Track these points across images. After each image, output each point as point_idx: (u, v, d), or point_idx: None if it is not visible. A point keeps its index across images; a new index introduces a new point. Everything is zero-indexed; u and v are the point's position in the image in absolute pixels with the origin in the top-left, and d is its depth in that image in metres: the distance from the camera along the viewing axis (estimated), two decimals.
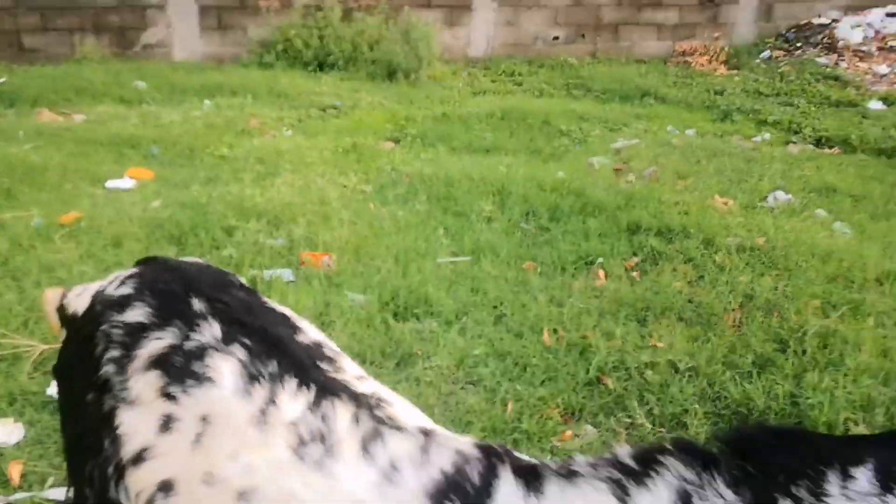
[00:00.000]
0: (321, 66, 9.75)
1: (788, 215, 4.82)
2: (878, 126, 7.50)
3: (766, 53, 11.33)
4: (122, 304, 1.31)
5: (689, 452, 0.83)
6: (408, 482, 0.99)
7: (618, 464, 0.87)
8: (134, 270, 1.41)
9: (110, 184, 5.29)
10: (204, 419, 1.13)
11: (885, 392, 2.83)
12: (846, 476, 0.73)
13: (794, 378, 2.95)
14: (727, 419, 2.77)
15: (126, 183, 5.34)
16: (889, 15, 11.98)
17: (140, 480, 1.16)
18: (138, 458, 1.18)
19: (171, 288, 1.32)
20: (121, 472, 1.20)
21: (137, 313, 1.27)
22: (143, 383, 1.21)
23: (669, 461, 0.83)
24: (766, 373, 2.99)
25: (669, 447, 0.85)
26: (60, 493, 2.30)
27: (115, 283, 1.39)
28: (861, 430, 2.61)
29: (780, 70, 10.37)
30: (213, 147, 6.18)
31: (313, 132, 6.82)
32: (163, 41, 10.04)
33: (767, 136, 7.28)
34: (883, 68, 10.67)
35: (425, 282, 3.64)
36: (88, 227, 4.38)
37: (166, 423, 1.16)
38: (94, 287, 1.45)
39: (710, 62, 10.95)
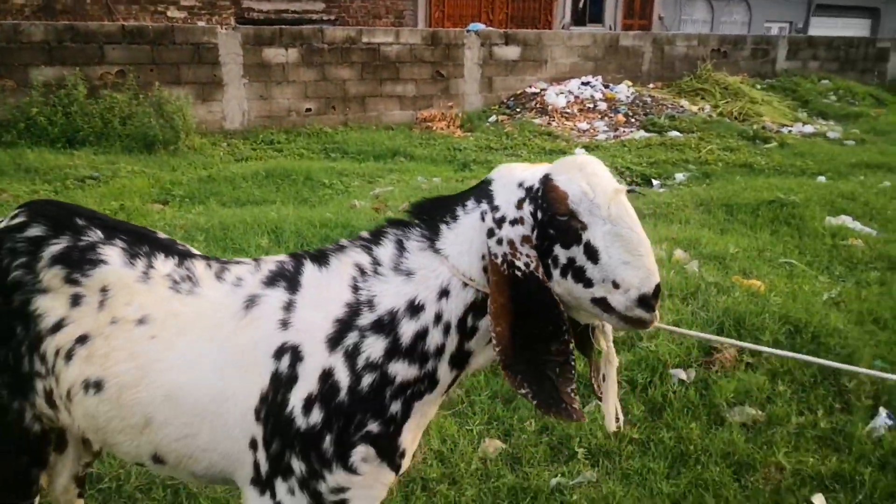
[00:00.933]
0: (70, 143, 9.48)
1: None
2: None
3: (493, 118, 13.12)
4: (21, 227, 1.70)
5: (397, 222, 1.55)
6: (249, 281, 1.54)
7: (360, 238, 1.58)
8: (22, 207, 1.79)
9: None
10: (103, 290, 1.58)
11: None
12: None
13: None
14: None
15: None
16: (583, 84, 14.57)
17: (59, 341, 1.62)
18: (56, 327, 1.63)
19: (58, 212, 1.74)
20: (36, 344, 1.61)
21: (35, 231, 1.68)
22: (50, 276, 1.65)
23: (388, 230, 1.53)
24: None
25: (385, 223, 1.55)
26: None
27: (8, 218, 1.73)
28: None
29: (505, 130, 12.10)
30: None
31: (76, 200, 6.72)
32: None
33: None
34: (583, 125, 12.94)
35: None
36: None
37: (76, 300, 1.63)
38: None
39: (448, 126, 12.43)
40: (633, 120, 13.23)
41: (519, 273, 1.42)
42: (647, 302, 1.41)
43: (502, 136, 11.71)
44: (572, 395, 1.44)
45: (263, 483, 1.55)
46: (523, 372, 1.41)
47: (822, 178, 9.00)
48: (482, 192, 1.53)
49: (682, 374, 3.56)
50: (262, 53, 11.15)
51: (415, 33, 12.81)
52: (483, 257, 1.48)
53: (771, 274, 5.06)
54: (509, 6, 19.69)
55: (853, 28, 26.44)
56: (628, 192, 1.53)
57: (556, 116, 13.19)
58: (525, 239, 1.44)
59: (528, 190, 1.47)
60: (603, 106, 13.76)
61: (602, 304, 1.43)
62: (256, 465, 1.55)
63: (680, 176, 9.19)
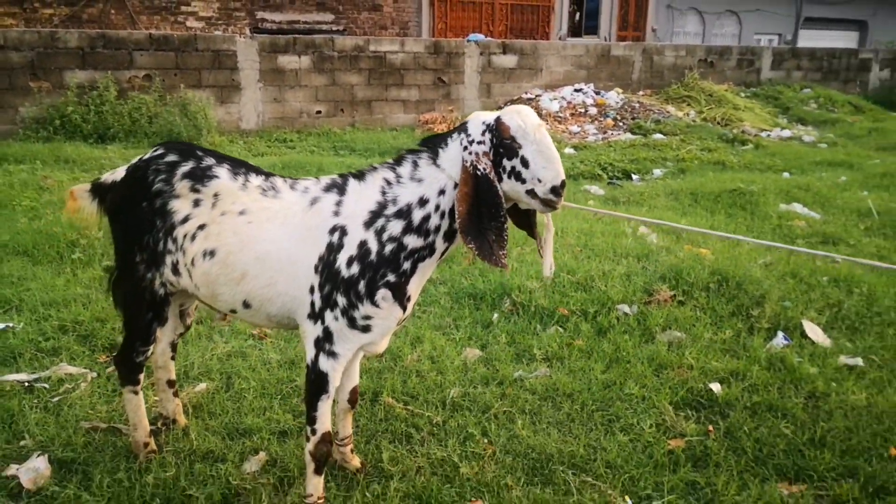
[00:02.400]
0: (101, 139, 10.40)
1: None
2: (573, 161, 10.10)
3: None
4: (161, 156, 2.64)
5: (412, 150, 2.39)
6: (312, 189, 2.44)
7: (388, 161, 2.41)
8: (160, 145, 2.71)
9: None
10: (215, 195, 2.48)
11: None
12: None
13: None
14: None
15: None
16: (576, 90, 15.50)
17: (186, 229, 2.54)
18: (185, 220, 2.55)
19: (185, 147, 2.67)
20: (171, 229, 2.53)
21: (170, 157, 2.59)
22: (181, 186, 2.57)
23: (407, 155, 2.37)
24: None
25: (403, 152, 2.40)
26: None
27: (150, 152, 2.66)
28: None
29: None
30: (19, 200, 6.80)
31: None
32: None
33: None
34: (575, 128, 13.85)
35: None
36: None
37: (196, 202, 2.53)
38: (120, 167, 2.73)
39: (448, 128, 13.35)
40: (621, 123, 14.14)
41: (479, 173, 2.30)
42: (556, 191, 2.29)
43: None
44: (502, 253, 2.32)
45: (317, 315, 2.43)
46: (473, 235, 2.29)
47: (786, 175, 9.88)
48: (462, 127, 2.41)
49: (626, 309, 4.44)
50: (277, 60, 12.09)
51: (418, 43, 13.76)
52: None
53: (718, 244, 5.94)
54: (508, 18, 20.67)
55: (841, 40, 27.38)
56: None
57: (549, 120, 14.10)
58: (485, 154, 2.32)
59: (488, 125, 2.36)
60: (594, 111, 14.68)
61: (531, 193, 2.31)
62: (313, 304, 2.43)
63: (657, 171, 10.08)
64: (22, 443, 2.96)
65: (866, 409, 3.41)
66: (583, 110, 14.78)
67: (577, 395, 3.50)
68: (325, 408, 2.48)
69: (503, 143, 2.32)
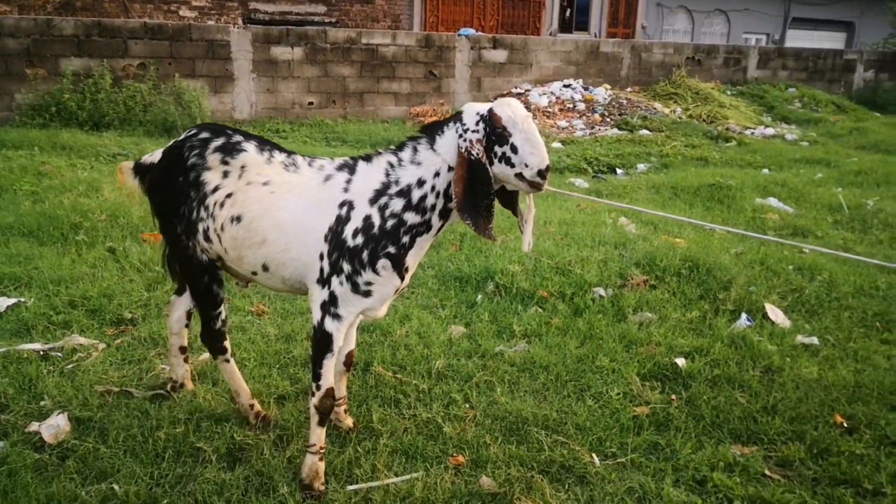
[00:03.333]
0: (97, 126, 10.58)
1: None
2: (559, 155, 10.38)
3: None
4: (195, 134, 2.91)
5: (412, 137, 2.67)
6: (327, 167, 2.73)
7: (391, 147, 2.70)
8: (194, 126, 2.98)
9: None
10: (243, 167, 2.76)
11: None
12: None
13: None
14: None
15: None
16: (565, 86, 15.79)
17: (216, 197, 2.82)
18: (215, 189, 2.83)
19: (216, 126, 2.94)
20: (203, 199, 2.83)
21: (203, 134, 2.86)
22: (212, 159, 2.84)
23: (408, 142, 2.66)
24: None
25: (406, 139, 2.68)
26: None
27: (186, 132, 2.94)
28: None
29: None
30: (19, 184, 7.01)
31: (107, 172, 7.85)
32: None
33: None
34: (563, 122, 14.15)
35: None
36: None
37: (226, 174, 2.82)
38: (157, 151, 3.05)
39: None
40: (608, 119, 14.46)
41: (472, 158, 2.58)
42: (542, 174, 2.57)
43: None
44: (491, 228, 2.61)
45: (324, 280, 2.71)
46: (469, 212, 2.57)
47: (765, 171, 10.22)
48: (457, 117, 2.69)
49: (602, 292, 4.74)
50: (270, 51, 12.30)
51: (410, 36, 14.00)
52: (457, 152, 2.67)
53: (693, 235, 6.25)
54: (500, 13, 20.92)
55: (829, 40, 27.82)
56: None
57: (538, 115, 14.39)
58: (479, 141, 2.60)
59: (481, 115, 2.64)
60: (582, 106, 14.99)
61: (519, 176, 2.59)
62: (321, 270, 2.70)
63: (641, 166, 10.39)
64: (41, 403, 3.22)
65: (817, 382, 3.73)
66: (571, 106, 15.08)
67: (552, 367, 3.79)
68: (329, 365, 2.76)
69: (495, 132, 2.60)
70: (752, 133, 14.42)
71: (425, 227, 2.72)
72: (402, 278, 2.76)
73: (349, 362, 3.15)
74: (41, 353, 3.68)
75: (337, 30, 13.38)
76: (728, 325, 4.36)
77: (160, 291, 4.59)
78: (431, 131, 2.72)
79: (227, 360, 3.19)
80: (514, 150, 2.58)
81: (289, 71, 12.55)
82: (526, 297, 4.66)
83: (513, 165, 2.59)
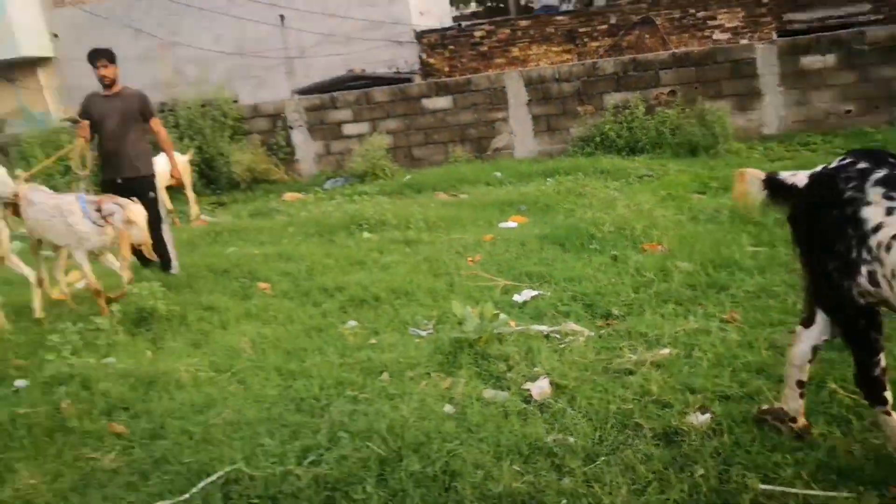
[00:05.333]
0: (631, 151, 11.97)
1: None
2: None
3: None
4: (851, 164, 2.67)
5: None
6: None
7: None
8: (847, 154, 2.77)
9: (501, 225, 7.97)
10: None
11: None
12: None
13: None
14: None
15: (511, 224, 7.99)
16: None
17: (879, 237, 2.52)
18: (876, 229, 2.53)
19: (876, 154, 2.68)
20: (863, 239, 2.54)
21: (861, 165, 2.61)
22: (873, 193, 2.56)
23: None
24: None
25: None
26: None
27: (837, 161, 2.75)
28: None
29: None
30: (562, 203, 8.60)
31: (635, 191, 8.94)
32: (507, 144, 13.21)
33: None
34: None
35: None
36: (499, 241, 6.99)
37: (890, 211, 2.50)
38: (802, 172, 2.92)
39: None
40: None
41: None
42: None
43: None
44: None
45: None
46: None
47: None
48: None
49: None
50: (799, 62, 11.85)
51: None
52: None
53: None
54: None
55: None
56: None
57: None
58: None
59: None
60: None
61: None
62: None
63: None
64: (535, 369, 4.20)
65: None
66: None
67: None
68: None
69: None
70: None
71: None
72: None
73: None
74: (545, 333, 4.72)
75: (876, 29, 12.04)
76: None
77: (644, 294, 5.25)
78: None
79: (888, 413, 2.82)
80: None
81: (820, 79, 11.87)
82: None
83: None
